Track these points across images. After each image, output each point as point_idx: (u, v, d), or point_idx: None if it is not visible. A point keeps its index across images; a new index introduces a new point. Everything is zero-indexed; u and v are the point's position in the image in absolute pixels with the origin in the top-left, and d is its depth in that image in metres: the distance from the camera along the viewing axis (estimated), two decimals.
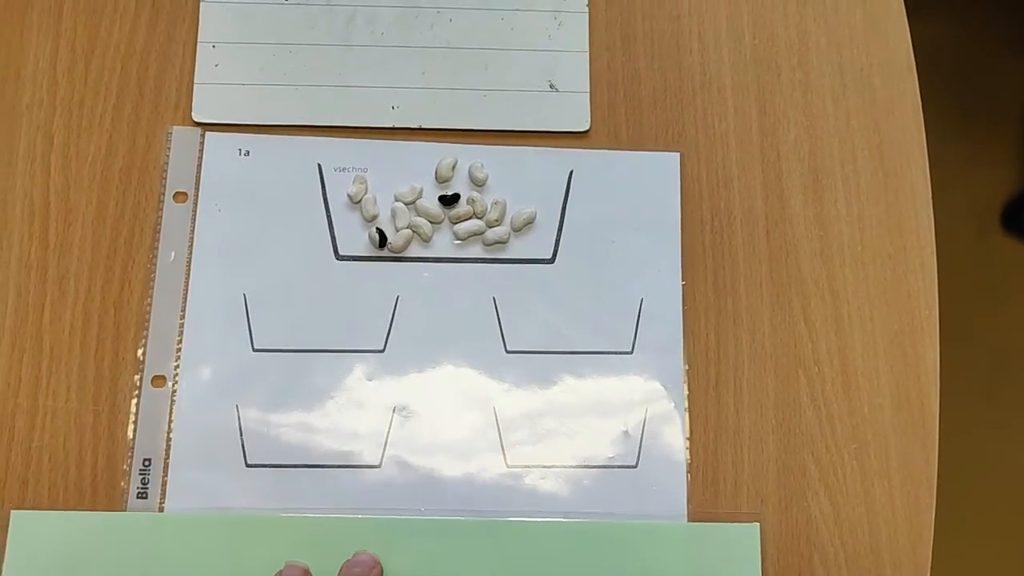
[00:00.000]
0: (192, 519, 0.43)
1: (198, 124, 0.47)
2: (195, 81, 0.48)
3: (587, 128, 0.49)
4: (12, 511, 0.42)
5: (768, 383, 0.46)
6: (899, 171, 0.49)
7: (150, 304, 0.45)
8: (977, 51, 1.14)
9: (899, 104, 0.50)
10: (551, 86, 0.49)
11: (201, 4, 0.49)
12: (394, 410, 0.45)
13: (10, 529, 0.42)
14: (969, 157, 1.10)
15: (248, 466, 0.44)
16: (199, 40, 0.48)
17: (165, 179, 0.47)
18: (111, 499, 0.43)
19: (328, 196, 0.47)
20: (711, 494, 0.45)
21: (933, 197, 0.49)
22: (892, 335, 0.47)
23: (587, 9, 0.50)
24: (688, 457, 0.45)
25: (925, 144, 0.49)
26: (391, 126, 0.48)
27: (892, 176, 0.49)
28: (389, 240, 0.46)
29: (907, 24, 0.51)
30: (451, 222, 0.47)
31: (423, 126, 0.48)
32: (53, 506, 0.43)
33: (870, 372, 0.47)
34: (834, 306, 0.47)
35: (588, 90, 0.49)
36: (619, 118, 0.49)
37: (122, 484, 0.43)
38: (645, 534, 0.44)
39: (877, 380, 0.47)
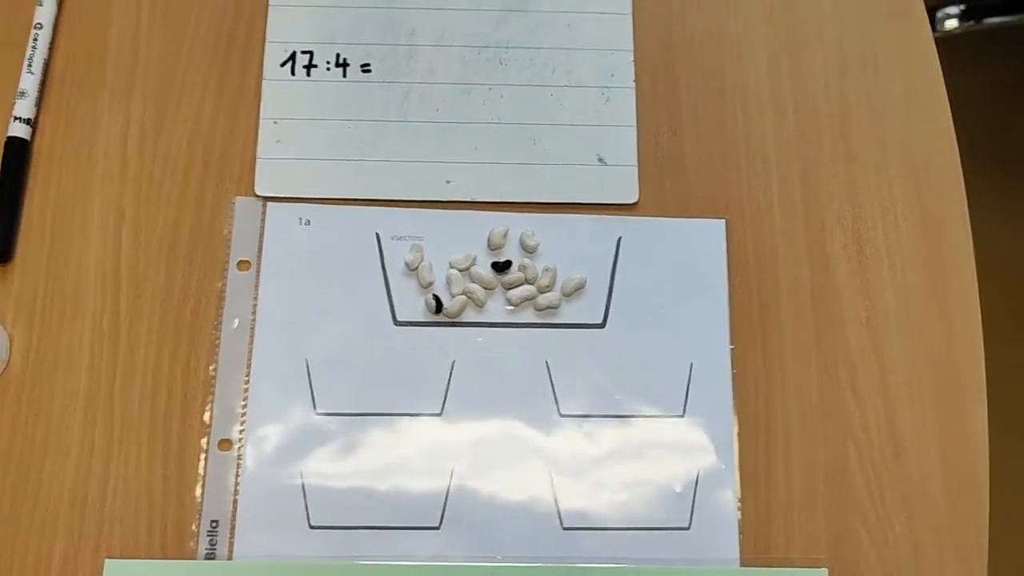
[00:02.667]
0: (276, 566, 0.44)
1: (260, 197, 0.49)
2: (258, 156, 0.50)
3: (635, 200, 0.50)
4: (106, 559, 0.43)
5: (817, 451, 0.47)
6: (942, 239, 0.50)
7: (215, 370, 0.47)
8: (1010, 98, 1.14)
9: (940, 171, 0.51)
10: (600, 160, 0.50)
11: (264, 82, 0.51)
12: (452, 472, 0.46)
13: None
14: (1006, 207, 1.10)
15: (312, 528, 0.45)
16: (261, 116, 0.51)
17: (229, 248, 0.49)
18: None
19: (386, 264, 0.49)
20: (763, 561, 0.46)
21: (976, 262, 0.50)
22: (940, 403, 0.48)
23: (634, 85, 0.52)
24: (740, 519, 0.46)
25: (967, 213, 0.51)
26: (446, 199, 0.50)
27: (935, 243, 0.50)
28: (445, 306, 0.48)
29: (946, 94, 0.53)
30: (504, 288, 0.49)
31: (476, 199, 0.50)
32: None
33: (918, 440, 0.47)
34: (881, 375, 0.48)
35: (636, 163, 0.51)
36: (666, 190, 0.51)
37: (191, 544, 0.44)
38: None
39: (925, 448, 0.47)
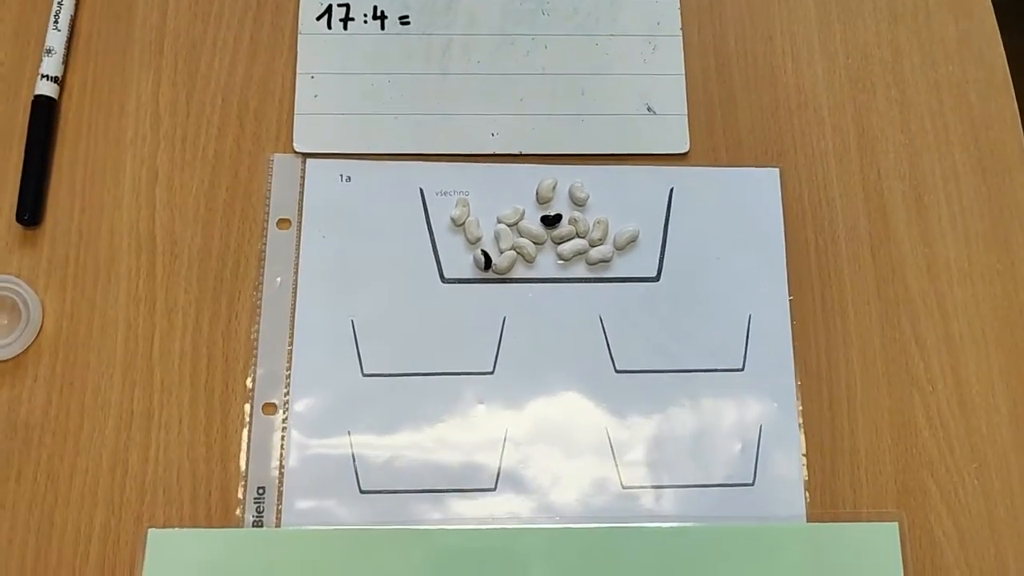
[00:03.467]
0: (329, 533, 0.42)
1: (299, 154, 0.48)
2: (295, 112, 0.48)
3: (686, 150, 0.48)
4: (149, 529, 0.42)
5: (882, 402, 0.46)
6: (1001, 186, 0.49)
7: (257, 332, 0.45)
8: None
9: (997, 119, 0.50)
10: (648, 109, 0.49)
11: (299, 36, 0.49)
12: (506, 432, 0.44)
13: (147, 548, 0.41)
14: None
15: (362, 492, 0.43)
16: (298, 71, 0.49)
17: (268, 207, 0.47)
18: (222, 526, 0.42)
19: (431, 220, 0.47)
20: (830, 516, 0.44)
21: None
22: (1006, 352, 0.46)
23: (680, 33, 0.50)
24: (806, 475, 0.44)
25: None
26: (492, 152, 0.48)
27: (995, 191, 0.49)
28: (494, 262, 0.46)
29: (1000, 38, 0.51)
30: (554, 242, 0.47)
31: (523, 152, 0.48)
32: None
33: (985, 390, 0.46)
34: (944, 324, 0.47)
35: (686, 112, 0.49)
36: (717, 139, 0.49)
37: (237, 512, 0.42)
38: (789, 534, 0.43)
39: (993, 398, 0.46)
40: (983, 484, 0.45)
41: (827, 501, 0.44)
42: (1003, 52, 0.51)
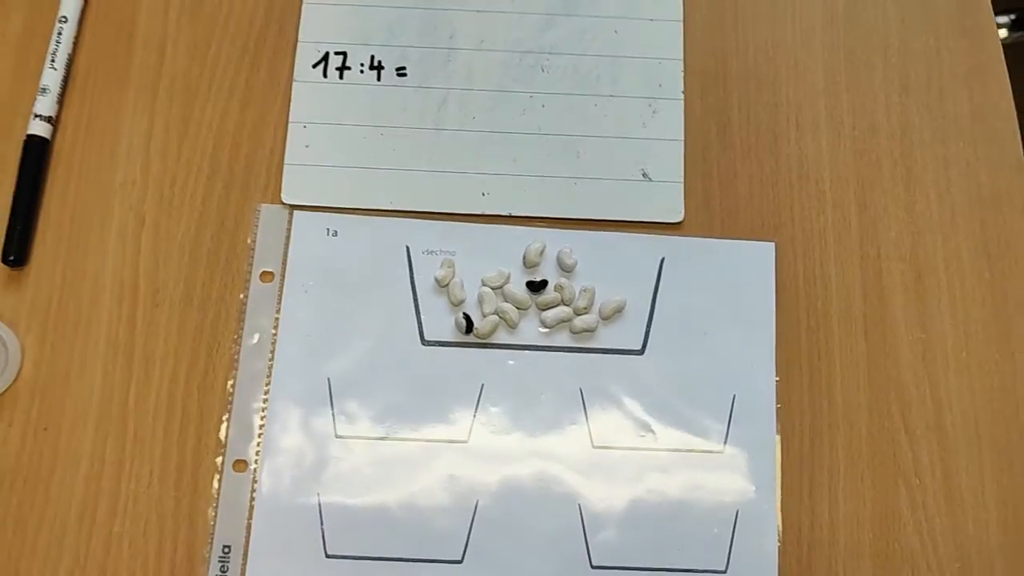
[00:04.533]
0: None
1: (287, 205, 0.47)
2: (285, 162, 0.48)
3: (681, 219, 0.47)
4: None
5: (865, 493, 0.44)
6: (1007, 272, 0.47)
7: (233, 386, 0.45)
8: None
9: (1007, 201, 0.48)
10: (644, 175, 0.48)
11: (294, 84, 0.49)
12: (476, 503, 0.44)
13: None
14: None
15: (328, 556, 0.43)
16: (290, 120, 0.48)
17: (252, 259, 0.46)
18: None
19: (415, 279, 0.46)
20: None
21: None
22: (999, 448, 0.45)
23: (682, 96, 0.49)
24: (781, 563, 0.43)
25: None
26: (481, 213, 0.47)
27: (999, 277, 0.47)
28: (476, 326, 0.46)
29: (1016, 117, 0.49)
30: (538, 309, 0.46)
31: (513, 214, 0.47)
32: None
33: (975, 487, 0.44)
34: (936, 414, 0.45)
35: (682, 180, 0.48)
36: (713, 209, 0.48)
37: (201, 570, 0.42)
38: None
39: (983, 495, 0.44)
40: None
41: None
42: (1018, 131, 0.49)
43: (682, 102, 0.49)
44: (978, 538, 0.44)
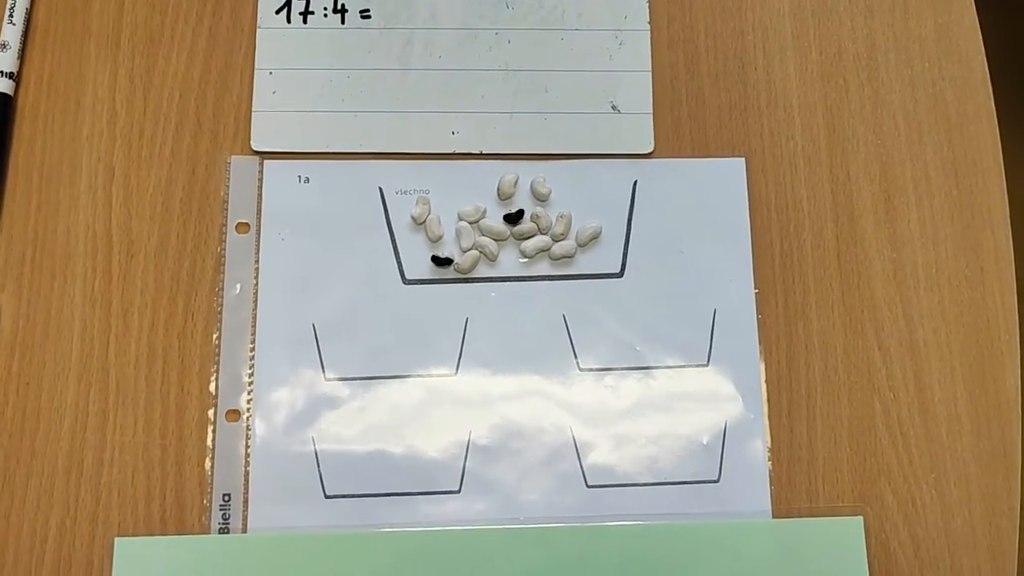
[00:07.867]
0: (297, 538, 0.42)
1: (257, 153, 0.47)
2: (253, 109, 0.47)
3: (651, 149, 0.48)
4: (116, 538, 0.42)
5: (842, 409, 0.45)
6: (974, 189, 0.48)
7: (219, 338, 0.45)
8: None
9: (973, 119, 0.49)
10: (613, 107, 0.48)
11: (258, 31, 0.48)
12: (470, 434, 0.44)
13: (115, 556, 0.42)
14: None
15: (327, 497, 0.43)
16: (256, 67, 0.48)
17: (226, 210, 0.46)
18: (185, 533, 0.43)
19: (391, 219, 0.47)
20: (795, 512, 0.44)
21: (1011, 213, 0.48)
22: (970, 360, 0.46)
23: (648, 27, 0.49)
24: (771, 469, 0.44)
25: (1002, 161, 0.48)
26: (452, 151, 0.47)
27: (967, 194, 0.48)
28: (456, 261, 0.46)
29: (980, 35, 0.50)
30: (516, 239, 0.47)
31: (484, 151, 0.47)
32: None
33: (947, 399, 0.45)
34: (908, 330, 0.46)
35: (651, 110, 0.48)
36: (683, 138, 0.48)
37: (201, 519, 0.43)
38: (756, 530, 0.43)
39: (955, 407, 0.45)
40: (941, 494, 0.44)
41: (793, 497, 0.44)
42: (983, 48, 0.49)
43: (648, 33, 0.49)
44: (952, 448, 0.45)
